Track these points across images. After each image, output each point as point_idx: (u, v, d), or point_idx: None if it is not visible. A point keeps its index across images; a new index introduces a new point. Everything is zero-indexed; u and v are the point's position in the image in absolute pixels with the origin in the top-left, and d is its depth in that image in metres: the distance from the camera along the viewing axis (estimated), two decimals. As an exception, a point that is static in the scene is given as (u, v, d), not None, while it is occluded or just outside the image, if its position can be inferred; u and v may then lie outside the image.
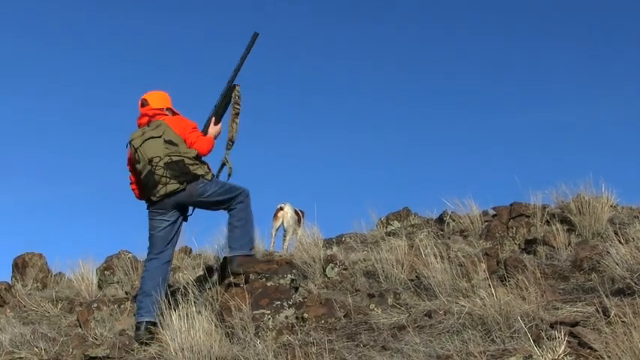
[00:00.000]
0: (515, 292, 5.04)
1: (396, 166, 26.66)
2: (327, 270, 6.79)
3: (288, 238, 9.69)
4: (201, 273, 7.29)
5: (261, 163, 27.21)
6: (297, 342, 5.12)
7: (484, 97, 30.06)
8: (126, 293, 7.33)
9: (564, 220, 7.51)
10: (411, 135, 28.74)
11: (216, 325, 5.35)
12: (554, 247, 6.81)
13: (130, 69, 30.88)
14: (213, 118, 6.64)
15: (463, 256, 6.37)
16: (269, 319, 5.46)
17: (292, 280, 6.03)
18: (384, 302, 5.78)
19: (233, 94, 6.63)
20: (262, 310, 5.52)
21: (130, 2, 32.21)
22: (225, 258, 6.43)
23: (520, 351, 4.15)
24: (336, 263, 6.82)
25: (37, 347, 5.91)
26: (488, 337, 4.60)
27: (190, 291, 5.95)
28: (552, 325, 4.48)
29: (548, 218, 7.72)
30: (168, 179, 6.16)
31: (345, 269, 6.80)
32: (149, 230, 6.29)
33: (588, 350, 4.05)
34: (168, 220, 6.26)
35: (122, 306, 6.73)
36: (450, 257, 6.23)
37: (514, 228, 7.71)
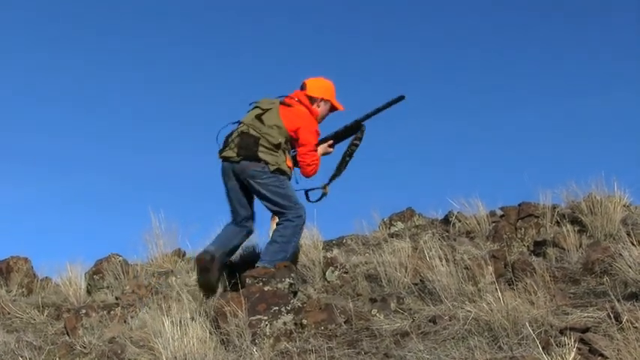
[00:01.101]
0: (523, 297, 5.07)
1: (399, 164, 26.65)
2: (327, 273, 6.81)
3: (285, 240, 9.70)
4: (195, 277, 7.31)
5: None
6: (295, 349, 5.15)
7: (491, 91, 30.04)
8: (116, 299, 7.34)
9: (575, 221, 7.53)
10: (415, 131, 28.69)
11: (210, 332, 5.37)
12: (564, 249, 6.82)
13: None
14: (331, 141, 6.94)
15: (469, 258, 6.39)
16: (266, 325, 5.48)
17: (290, 284, 6.05)
18: (387, 307, 5.81)
19: (357, 133, 6.88)
20: (259, 316, 5.53)
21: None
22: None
23: (528, 358, 4.17)
24: (337, 266, 6.84)
25: (21, 356, 5.91)
26: (495, 344, 4.63)
27: (184, 296, 5.98)
28: (562, 331, 4.50)
29: (558, 219, 7.73)
30: (233, 145, 6.54)
31: (346, 273, 6.82)
32: None
33: (599, 357, 4.08)
34: (228, 185, 6.67)
35: (112, 312, 6.74)
36: (455, 260, 6.24)
37: (522, 229, 7.71)
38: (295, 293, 6.07)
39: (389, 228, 9.01)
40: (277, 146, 6.50)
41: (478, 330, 4.86)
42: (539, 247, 7.15)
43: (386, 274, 6.43)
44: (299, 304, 5.75)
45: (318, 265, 6.91)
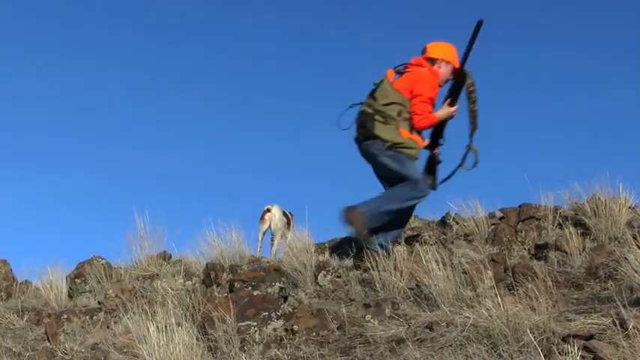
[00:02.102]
0: (524, 302, 5.06)
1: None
2: (318, 277, 6.79)
3: (276, 242, 9.72)
4: (182, 280, 7.29)
5: (246, 159, 27.24)
6: (286, 356, 5.14)
7: (491, 89, 30.08)
8: (99, 303, 7.31)
9: (578, 223, 7.52)
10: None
11: (197, 339, 5.36)
12: (566, 253, 6.82)
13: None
14: (449, 100, 7.04)
15: (467, 262, 6.38)
16: (255, 331, 5.47)
17: (281, 288, 6.04)
18: (381, 313, 5.80)
19: (466, 83, 6.97)
20: (248, 322, 5.53)
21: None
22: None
23: (529, 366, 4.17)
24: (329, 270, 6.82)
25: (0, 363, 5.90)
26: (495, 352, 4.62)
27: (169, 300, 5.96)
28: (565, 339, 4.50)
29: (560, 221, 7.73)
30: (357, 127, 6.94)
31: (339, 277, 6.80)
32: None
33: (604, 366, 4.08)
34: (368, 165, 7.01)
35: (95, 317, 6.73)
36: (453, 264, 6.23)
37: (523, 232, 7.71)
38: (286, 298, 6.06)
39: (384, 230, 8.99)
40: (393, 119, 6.74)
41: (477, 337, 4.86)
42: (540, 251, 7.14)
43: (380, 279, 6.42)
44: (290, 309, 5.74)
45: (309, 268, 6.89)
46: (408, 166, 6.78)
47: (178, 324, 5.40)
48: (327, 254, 7.54)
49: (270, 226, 9.81)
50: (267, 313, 5.60)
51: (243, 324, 5.50)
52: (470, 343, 4.80)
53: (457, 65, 7.04)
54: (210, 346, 5.41)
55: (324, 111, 30.74)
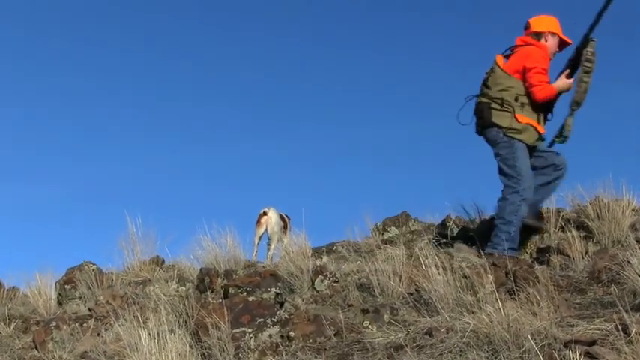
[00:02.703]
0: (525, 307, 5.07)
1: (393, 165, 26.68)
2: (315, 282, 6.80)
3: (272, 246, 9.72)
4: (175, 286, 7.30)
5: (242, 161, 27.23)
6: (281, 364, 5.14)
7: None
8: (89, 310, 7.31)
9: (581, 226, 7.54)
10: (411, 131, 28.75)
11: (191, 346, 5.36)
12: (569, 257, 6.83)
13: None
14: (567, 71, 7.13)
15: (468, 266, 6.39)
16: (250, 338, 5.47)
17: (277, 294, 6.05)
18: (380, 318, 5.80)
19: (585, 50, 6.98)
20: (243, 329, 5.53)
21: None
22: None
23: (530, 373, 4.18)
24: (326, 275, 6.83)
25: (-13, 373, 5.91)
26: (495, 358, 4.63)
27: (162, 307, 5.97)
28: (566, 344, 4.51)
29: (562, 224, 7.74)
30: (476, 119, 7.20)
31: (337, 282, 6.81)
32: None
33: (606, 372, 4.09)
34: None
35: (85, 324, 6.73)
36: (453, 268, 6.24)
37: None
38: (282, 304, 6.07)
39: (382, 234, 9.03)
40: (509, 104, 6.95)
41: (477, 343, 4.87)
42: (542, 254, 7.16)
43: (379, 283, 6.42)
44: (286, 315, 5.75)
45: (306, 273, 6.90)
46: (518, 157, 7.00)
47: (171, 331, 5.40)
48: (324, 258, 7.55)
49: (266, 230, 9.81)
50: (262, 320, 5.60)
51: (237, 330, 5.51)
52: (470, 349, 4.80)
53: (562, 36, 7.21)
54: (203, 354, 5.41)
55: (321, 111, 30.76)
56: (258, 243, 9.77)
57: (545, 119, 7.26)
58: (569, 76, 7.12)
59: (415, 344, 5.15)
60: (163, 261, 8.97)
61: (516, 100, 6.97)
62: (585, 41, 7.02)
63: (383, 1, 30.95)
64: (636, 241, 6.30)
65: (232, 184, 25.97)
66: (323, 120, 30.31)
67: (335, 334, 5.59)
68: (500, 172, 7.11)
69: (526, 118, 6.97)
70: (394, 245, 7.61)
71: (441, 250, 7.12)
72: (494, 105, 6.96)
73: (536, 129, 7.05)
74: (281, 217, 9.95)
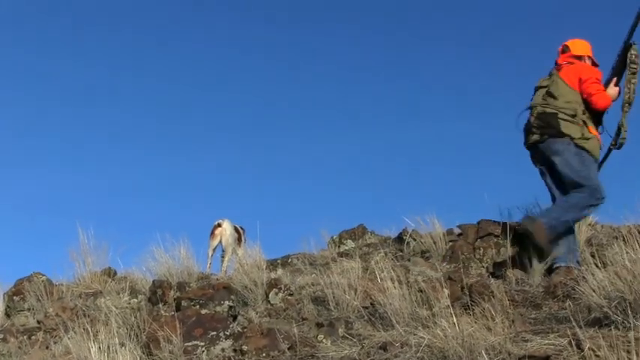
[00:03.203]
0: (480, 322, 5.10)
1: (349, 178, 26.75)
2: (270, 296, 6.80)
3: (226, 258, 9.70)
4: (127, 298, 7.25)
5: (196, 172, 27.12)
6: (234, 378, 5.13)
7: (448, 102, 30.38)
8: (38, 322, 7.23)
9: (537, 240, 7.60)
10: (366, 143, 28.87)
11: (142, 360, 5.33)
12: (525, 271, 6.89)
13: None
14: (615, 79, 7.38)
15: (424, 280, 6.42)
16: (203, 351, 5.45)
17: (230, 307, 6.03)
18: (334, 333, 5.81)
19: (629, 54, 7.25)
20: (195, 342, 5.51)
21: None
22: None
23: (484, 389, 4.21)
24: (281, 288, 6.83)
25: None
26: (450, 373, 4.66)
27: (113, 319, 5.92)
28: (520, 360, 4.55)
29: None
30: (535, 129, 7.23)
31: (291, 295, 6.81)
32: None
33: (560, 388, 4.12)
34: (540, 170, 7.36)
35: (33, 337, 6.65)
36: (409, 282, 6.27)
37: (481, 249, 7.79)
38: (235, 317, 6.05)
39: (338, 246, 9.04)
40: (576, 115, 7.07)
41: (431, 358, 4.88)
42: (498, 269, 7.22)
43: (334, 297, 6.43)
44: (239, 328, 5.74)
45: (260, 286, 6.90)
46: (590, 168, 7.10)
47: (122, 344, 5.36)
48: (279, 271, 7.54)
49: (220, 242, 9.78)
50: (215, 333, 5.58)
51: (190, 344, 5.48)
52: (424, 365, 4.82)
53: (594, 59, 7.50)
54: (155, 368, 5.39)
55: (277, 124, 30.76)
56: (212, 255, 9.75)
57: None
58: (616, 84, 7.40)
59: (369, 359, 5.15)
60: (115, 273, 8.90)
61: (584, 113, 7.15)
62: (626, 47, 7.30)
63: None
64: (591, 256, 6.39)
65: (186, 196, 25.85)
66: (278, 132, 30.30)
67: (289, 348, 5.58)
68: (569, 180, 7.10)
69: (593, 129, 7.18)
70: (350, 258, 7.62)
71: (397, 263, 7.16)
72: (562, 115, 7.10)
73: (599, 140, 7.25)
74: (235, 229, 9.93)
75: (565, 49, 7.54)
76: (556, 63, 7.50)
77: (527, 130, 7.33)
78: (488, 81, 30.10)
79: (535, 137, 7.24)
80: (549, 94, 7.24)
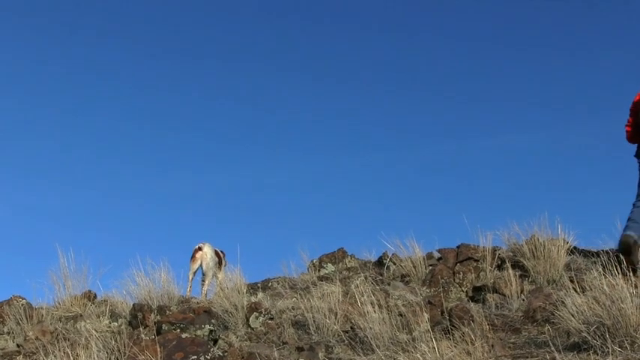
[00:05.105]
0: (460, 347, 5.13)
1: (330, 201, 26.75)
2: (250, 319, 6.81)
3: (207, 282, 9.67)
4: (107, 322, 7.23)
5: (178, 194, 27.07)
6: (214, 403, 5.13)
7: (428, 124, 30.51)
8: (18, 346, 7.20)
9: (516, 265, 7.65)
10: (347, 167, 28.90)
11: (122, 384, 5.32)
12: (505, 295, 6.93)
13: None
14: None
15: (404, 304, 6.45)
16: (183, 376, 5.45)
17: (211, 330, 6.04)
18: (315, 356, 5.82)
19: None
20: (176, 366, 5.51)
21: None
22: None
23: (464, 413, 4.23)
24: (261, 312, 6.84)
25: None
26: (430, 398, 4.68)
27: (93, 343, 5.90)
28: (500, 384, 4.58)
29: (499, 262, 7.86)
30: None
31: (271, 319, 6.82)
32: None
33: (538, 412, 4.15)
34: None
35: (13, 361, 6.63)
36: (389, 306, 6.30)
37: (461, 273, 7.82)
38: (216, 341, 6.05)
39: (318, 270, 9.05)
40: None
41: (411, 382, 4.91)
42: (478, 293, 7.25)
43: (314, 321, 6.45)
44: (219, 352, 5.74)
45: (241, 310, 6.90)
46: None
47: (102, 368, 5.36)
48: (259, 295, 7.53)
49: (201, 266, 9.76)
50: (195, 357, 5.58)
51: (170, 368, 5.48)
52: (404, 389, 4.84)
53: None
54: (135, 392, 5.38)
55: (257, 145, 30.75)
56: (192, 278, 9.71)
57: None
58: None
59: (350, 383, 5.18)
60: (95, 296, 8.87)
61: None
62: None
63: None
64: (570, 280, 6.43)
65: (167, 218, 25.76)
66: (259, 153, 30.29)
67: (269, 373, 5.60)
68: None
69: None
70: (330, 282, 7.64)
71: (378, 287, 7.17)
72: None
73: None
74: (216, 253, 9.91)
75: None
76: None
77: None
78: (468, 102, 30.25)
79: None
80: None
